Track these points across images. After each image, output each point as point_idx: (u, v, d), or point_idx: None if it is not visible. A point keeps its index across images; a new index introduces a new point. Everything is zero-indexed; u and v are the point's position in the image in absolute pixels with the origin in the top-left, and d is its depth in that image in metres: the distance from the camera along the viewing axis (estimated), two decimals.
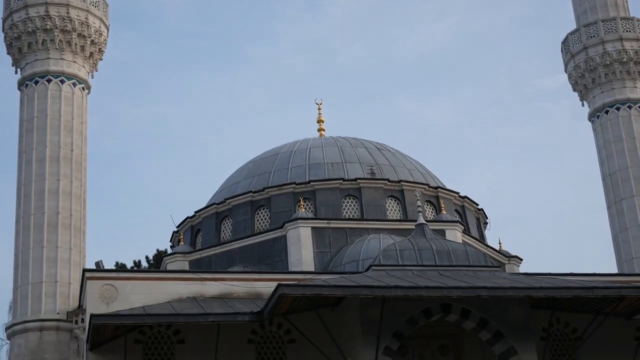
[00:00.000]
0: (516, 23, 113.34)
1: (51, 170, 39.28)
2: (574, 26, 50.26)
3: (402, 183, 43.42)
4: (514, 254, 45.74)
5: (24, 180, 39.46)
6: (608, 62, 48.01)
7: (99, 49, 42.87)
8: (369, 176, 43.63)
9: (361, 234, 41.08)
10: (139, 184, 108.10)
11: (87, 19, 41.99)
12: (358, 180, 43.03)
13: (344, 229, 41.31)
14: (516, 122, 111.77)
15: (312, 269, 38.98)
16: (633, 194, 46.09)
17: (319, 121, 49.51)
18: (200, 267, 41.71)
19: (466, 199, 45.88)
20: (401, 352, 33.21)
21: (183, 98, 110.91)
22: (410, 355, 33.98)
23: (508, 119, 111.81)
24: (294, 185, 42.97)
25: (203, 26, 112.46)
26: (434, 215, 43.20)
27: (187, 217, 46.28)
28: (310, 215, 41.57)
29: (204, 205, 45.85)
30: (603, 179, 47.97)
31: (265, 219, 42.84)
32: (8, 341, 38.71)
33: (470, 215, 45.92)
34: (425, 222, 35.65)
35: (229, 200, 43.99)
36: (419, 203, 37.34)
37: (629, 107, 47.58)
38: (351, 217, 42.32)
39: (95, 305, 32.27)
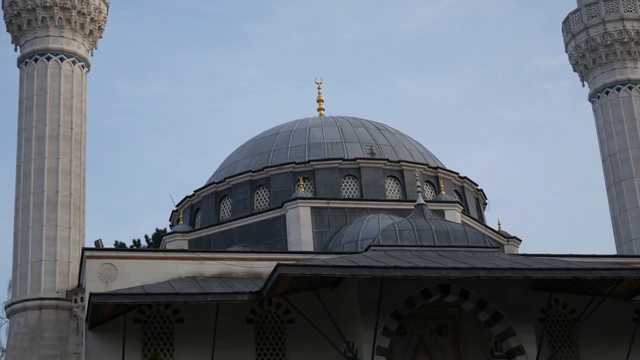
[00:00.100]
0: (516, 2, 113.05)
1: (51, 148, 39.23)
2: (574, 6, 50.10)
3: (401, 163, 43.39)
4: (513, 234, 45.79)
5: (23, 158, 39.43)
6: (609, 42, 47.88)
7: (99, 26, 42.72)
8: (369, 156, 43.58)
9: (360, 214, 41.09)
10: (139, 162, 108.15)
11: None
12: (357, 160, 42.99)
13: (343, 208, 41.32)
14: (516, 103, 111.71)
15: (311, 248, 39.01)
16: (633, 175, 46.04)
17: (319, 101, 49.40)
18: (199, 247, 41.74)
19: (466, 180, 45.87)
20: (400, 332, 33.30)
21: (182, 77, 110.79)
22: (408, 335, 34.07)
23: (508, 99, 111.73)
24: (294, 164, 42.94)
25: (203, 4, 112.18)
26: (433, 196, 43.20)
27: (187, 197, 46.26)
28: (310, 195, 41.56)
29: (203, 184, 45.83)
30: (603, 160, 47.93)
31: (265, 198, 42.84)
32: (7, 319, 38.83)
33: (470, 196, 45.92)
34: (424, 202, 35.68)
35: (229, 180, 43.98)
36: (418, 183, 37.33)
37: (630, 88, 47.48)
38: (350, 197, 42.30)
39: (94, 284, 32.35)
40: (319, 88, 49.74)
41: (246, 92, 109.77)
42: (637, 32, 47.93)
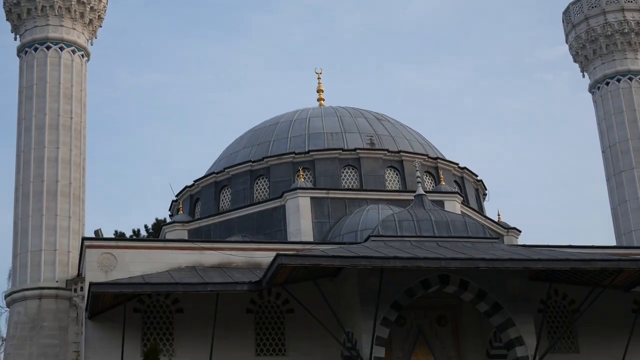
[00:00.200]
0: None
1: (50, 137, 39.21)
2: None
3: (401, 153, 43.37)
4: (512, 225, 45.79)
5: (23, 148, 39.41)
6: (609, 33, 47.81)
7: (99, 15, 42.67)
8: (369, 146, 43.57)
9: (360, 204, 41.09)
10: (138, 152, 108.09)
11: None
12: (357, 151, 42.97)
13: (343, 199, 41.33)
14: (516, 93, 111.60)
15: (310, 239, 39.02)
16: (632, 166, 46.02)
17: (319, 91, 49.36)
18: (199, 237, 41.76)
19: (465, 170, 45.86)
20: (399, 322, 33.33)
21: (182, 66, 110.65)
22: (408, 326, 34.09)
23: (508, 90, 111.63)
24: (293, 154, 42.92)
25: None
26: (433, 186, 43.20)
27: (186, 186, 46.26)
28: (309, 185, 41.55)
29: (203, 174, 45.82)
30: (603, 151, 47.91)
31: (264, 188, 42.84)
32: (7, 309, 38.86)
33: (469, 187, 45.92)
34: (424, 192, 35.68)
35: (228, 170, 43.96)
36: (418, 174, 37.30)
37: (630, 79, 47.43)
38: (350, 187, 42.30)
39: (94, 274, 32.38)
40: (318, 78, 49.75)
41: (246, 82, 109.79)
42: (638, 23, 47.87)
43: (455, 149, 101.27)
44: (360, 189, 42.03)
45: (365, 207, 40.50)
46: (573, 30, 49.17)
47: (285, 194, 40.83)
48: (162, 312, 32.93)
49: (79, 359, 35.23)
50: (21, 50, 41.25)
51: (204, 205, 44.80)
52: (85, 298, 32.48)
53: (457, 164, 45.43)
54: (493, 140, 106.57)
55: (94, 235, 37.23)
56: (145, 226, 62.49)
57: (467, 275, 32.32)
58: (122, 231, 60.98)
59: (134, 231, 61.95)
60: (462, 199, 42.56)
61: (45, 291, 36.99)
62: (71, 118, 39.87)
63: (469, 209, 42.95)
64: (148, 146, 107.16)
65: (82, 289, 35.34)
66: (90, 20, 42.06)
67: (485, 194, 48.08)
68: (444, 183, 42.92)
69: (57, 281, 37.11)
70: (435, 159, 44.50)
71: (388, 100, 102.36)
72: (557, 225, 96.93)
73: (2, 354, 44.58)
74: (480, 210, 45.54)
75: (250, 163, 43.41)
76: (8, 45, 58.06)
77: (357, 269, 31.28)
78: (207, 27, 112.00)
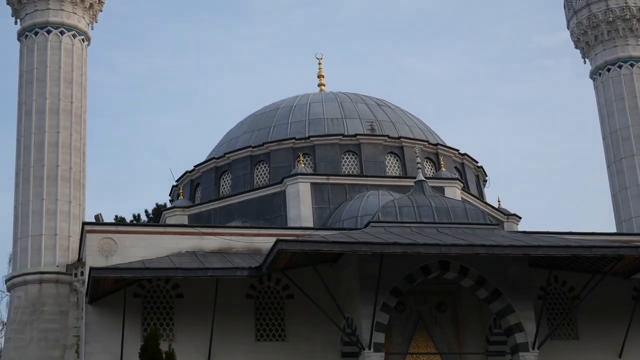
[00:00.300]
0: None
1: (51, 122, 39.17)
2: None
3: (402, 139, 43.32)
4: (512, 212, 45.75)
5: (23, 132, 39.37)
6: (611, 19, 47.69)
7: (99, 0, 42.56)
8: (369, 132, 43.51)
9: (360, 190, 41.06)
10: (139, 137, 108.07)
11: None
12: (358, 136, 42.92)
13: (343, 185, 41.29)
14: (517, 79, 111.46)
15: (310, 224, 39.01)
16: (633, 152, 45.98)
17: (319, 76, 49.26)
18: (199, 222, 41.73)
19: (466, 157, 45.81)
20: (399, 308, 33.38)
21: (182, 50, 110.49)
22: (408, 312, 34.14)
23: (509, 76, 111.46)
24: (294, 140, 42.88)
25: None
26: (433, 172, 43.17)
27: (187, 172, 46.23)
28: (310, 170, 41.52)
29: (203, 159, 45.78)
30: (603, 138, 47.87)
31: (265, 174, 42.81)
32: (8, 293, 38.92)
33: (470, 173, 45.89)
34: (424, 179, 35.66)
35: (229, 155, 43.93)
36: (418, 160, 37.26)
37: (631, 65, 47.34)
38: (350, 173, 42.27)
39: (94, 259, 32.41)
40: (319, 63, 49.65)
41: (246, 66, 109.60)
42: (639, 9, 47.74)
43: (456, 135, 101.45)
44: (361, 175, 42.00)
45: (366, 193, 40.48)
46: (574, 16, 49.06)
47: (285, 180, 40.81)
48: (162, 297, 32.98)
49: (79, 343, 35.31)
50: (21, 35, 41.16)
51: (204, 191, 44.79)
52: (86, 283, 32.52)
53: (457, 150, 45.39)
54: (494, 126, 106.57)
55: (94, 220, 37.26)
56: (146, 211, 62.59)
57: (467, 262, 32.35)
58: (123, 216, 61.12)
59: (134, 216, 62.04)
60: (462, 185, 42.54)
61: (46, 276, 37.01)
62: (71, 102, 39.83)
63: (469, 195, 42.93)
64: (148, 131, 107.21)
65: (82, 273, 35.38)
66: (91, 5, 41.95)
67: (486, 181, 48.06)
68: (444, 169, 42.90)
69: (57, 266, 37.13)
70: (436, 145, 44.46)
71: (389, 86, 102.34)
72: (557, 212, 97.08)
73: (3, 338, 44.73)
74: (481, 197, 45.53)
75: (251, 148, 43.37)
76: (8, 29, 57.93)
77: (357, 255, 31.31)
78: (208, 11, 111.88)
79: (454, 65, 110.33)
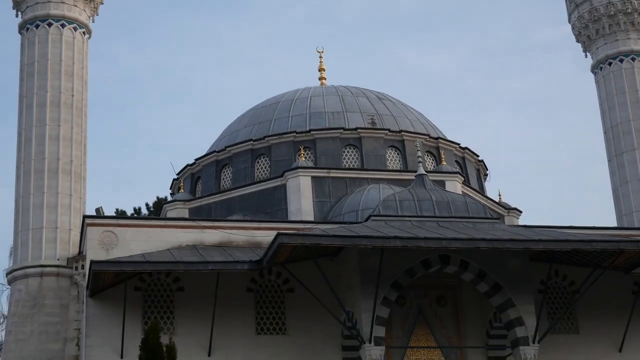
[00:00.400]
0: None
1: (52, 115, 39.15)
2: None
3: (402, 133, 43.31)
4: (513, 206, 45.75)
5: (24, 125, 39.36)
6: (612, 13, 47.60)
7: None
8: (370, 126, 43.50)
9: (361, 183, 41.07)
10: (140, 130, 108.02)
11: None
12: (359, 130, 42.92)
13: (344, 178, 41.29)
14: (518, 73, 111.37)
15: (311, 218, 39.03)
16: (634, 147, 45.93)
17: (320, 70, 49.24)
18: (200, 215, 41.73)
19: (467, 150, 45.81)
20: (399, 302, 33.40)
21: (184, 44, 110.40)
22: (408, 305, 34.15)
23: (510, 70, 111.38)
24: (295, 134, 42.87)
25: None
26: (434, 166, 43.16)
27: (188, 165, 46.24)
28: (311, 164, 41.52)
29: (204, 152, 45.81)
30: (604, 132, 47.81)
31: (265, 167, 42.81)
32: (8, 286, 38.93)
33: (471, 167, 45.88)
34: (425, 172, 35.66)
35: (230, 148, 43.92)
36: (419, 153, 37.25)
37: (633, 59, 47.25)
38: (351, 166, 42.27)
39: (95, 252, 32.44)
40: (320, 57, 49.64)
41: (247, 60, 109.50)
42: None
43: (457, 129, 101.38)
44: (361, 169, 42.00)
45: (366, 187, 40.48)
46: (576, 10, 48.98)
47: (286, 173, 40.81)
48: (162, 291, 33.01)
49: (79, 336, 35.35)
50: (22, 27, 41.12)
51: (204, 184, 44.80)
52: (87, 276, 32.56)
53: (458, 144, 45.39)
54: (495, 120, 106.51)
55: (95, 213, 37.28)
56: (147, 204, 62.55)
57: (467, 256, 32.35)
58: (123, 209, 61.08)
59: (135, 209, 62.01)
60: (463, 179, 42.55)
61: (47, 269, 37.00)
62: (72, 95, 39.81)
63: (470, 189, 42.94)
64: (149, 124, 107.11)
65: (83, 267, 35.38)
66: None
67: (487, 174, 48.06)
68: (445, 163, 42.89)
69: (58, 259, 37.12)
70: (437, 138, 44.46)
71: (389, 79, 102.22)
72: (558, 206, 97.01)
73: (3, 331, 44.75)
74: (481, 191, 45.52)
75: (252, 142, 43.36)
76: (9, 22, 57.89)
77: (358, 249, 31.31)
78: (209, 5, 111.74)
79: (455, 59, 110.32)
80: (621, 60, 47.35)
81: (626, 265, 33.87)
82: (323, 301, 31.93)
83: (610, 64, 47.54)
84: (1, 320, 53.55)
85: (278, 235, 29.74)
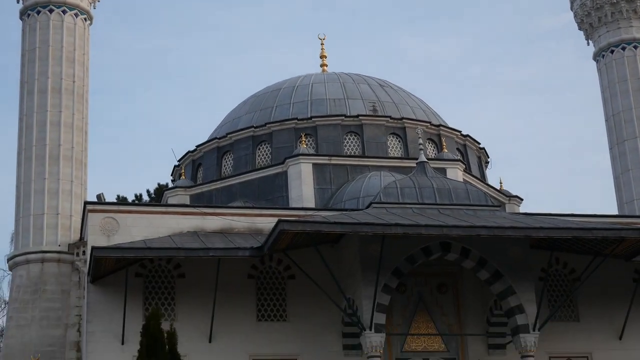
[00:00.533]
0: None
1: (53, 101, 39.13)
2: None
3: (404, 120, 43.27)
4: (514, 193, 45.74)
5: (25, 112, 39.35)
6: (615, 1, 47.49)
7: None
8: (371, 113, 43.46)
9: (362, 171, 41.06)
10: (140, 116, 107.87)
11: None
12: (360, 117, 42.87)
13: (345, 165, 41.28)
14: (520, 61, 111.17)
15: (312, 205, 39.02)
16: (636, 135, 45.94)
17: (322, 57, 49.19)
18: (201, 202, 41.76)
19: (468, 138, 45.77)
20: (400, 289, 33.43)
21: (185, 30, 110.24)
22: (409, 293, 34.19)
23: (512, 58, 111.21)
24: (296, 120, 42.83)
25: None
26: (435, 154, 43.12)
27: (189, 151, 46.22)
28: (312, 151, 41.51)
29: (205, 139, 45.76)
30: (606, 120, 47.79)
31: (267, 154, 42.79)
32: (10, 272, 39.00)
33: (472, 154, 45.85)
34: (426, 160, 35.65)
35: (231, 135, 43.89)
36: (420, 141, 37.18)
37: (635, 47, 47.18)
38: (352, 153, 42.24)
39: (96, 238, 32.48)
40: (322, 44, 49.58)
41: (249, 47, 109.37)
42: None
43: (458, 117, 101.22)
44: (363, 156, 41.97)
45: (367, 174, 40.48)
46: None
47: (287, 160, 40.80)
48: (163, 277, 33.04)
49: (80, 322, 35.41)
50: (24, 13, 41.05)
51: (206, 171, 44.78)
52: (88, 262, 32.58)
53: (459, 131, 45.35)
54: (496, 107, 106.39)
55: (96, 200, 37.29)
56: (148, 191, 62.60)
57: (468, 243, 32.35)
58: (125, 195, 61.16)
59: (136, 196, 62.07)
60: (464, 166, 42.53)
61: (48, 255, 37.07)
62: (74, 82, 39.78)
63: (471, 177, 42.92)
64: (150, 110, 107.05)
65: (84, 252, 35.42)
66: None
67: (488, 162, 48.04)
68: (446, 150, 42.86)
69: (59, 245, 37.18)
70: (438, 126, 44.41)
71: (391, 66, 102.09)
72: (559, 193, 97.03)
73: (5, 317, 44.81)
74: (483, 178, 45.50)
75: (253, 129, 43.33)
76: (11, 8, 57.76)
77: (359, 236, 31.31)
78: None
79: (457, 47, 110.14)
80: (623, 48, 47.29)
81: (627, 253, 33.88)
82: (324, 288, 31.96)
83: (612, 51, 47.48)
84: (2, 306, 53.67)
85: (279, 222, 29.75)
